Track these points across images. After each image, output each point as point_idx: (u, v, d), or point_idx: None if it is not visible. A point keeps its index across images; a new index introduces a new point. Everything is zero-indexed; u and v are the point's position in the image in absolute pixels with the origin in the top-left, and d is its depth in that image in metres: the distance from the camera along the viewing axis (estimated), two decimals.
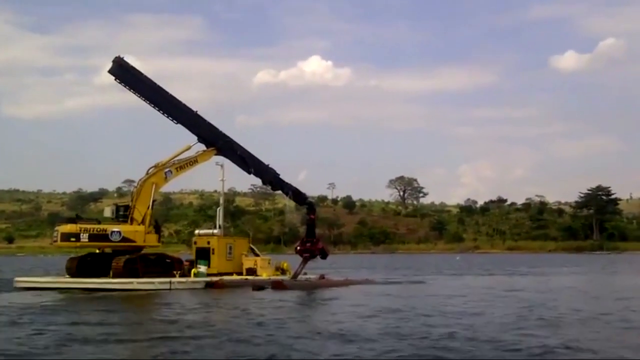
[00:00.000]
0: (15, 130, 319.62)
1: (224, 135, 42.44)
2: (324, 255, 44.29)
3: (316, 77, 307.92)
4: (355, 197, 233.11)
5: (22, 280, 39.36)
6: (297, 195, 45.45)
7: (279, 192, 47.30)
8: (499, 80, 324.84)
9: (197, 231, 46.34)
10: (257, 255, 43.51)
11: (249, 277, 40.05)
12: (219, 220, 43.80)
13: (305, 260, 42.63)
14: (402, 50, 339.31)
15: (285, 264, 43.29)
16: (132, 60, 40.48)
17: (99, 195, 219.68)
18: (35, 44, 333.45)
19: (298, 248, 43.84)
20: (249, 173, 43.59)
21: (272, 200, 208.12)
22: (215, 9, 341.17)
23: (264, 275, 40.55)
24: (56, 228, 40.52)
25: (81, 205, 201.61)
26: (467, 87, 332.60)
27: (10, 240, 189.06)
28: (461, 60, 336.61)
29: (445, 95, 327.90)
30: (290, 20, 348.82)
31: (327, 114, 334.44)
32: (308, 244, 43.55)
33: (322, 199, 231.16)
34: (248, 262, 41.52)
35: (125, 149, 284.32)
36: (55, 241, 39.67)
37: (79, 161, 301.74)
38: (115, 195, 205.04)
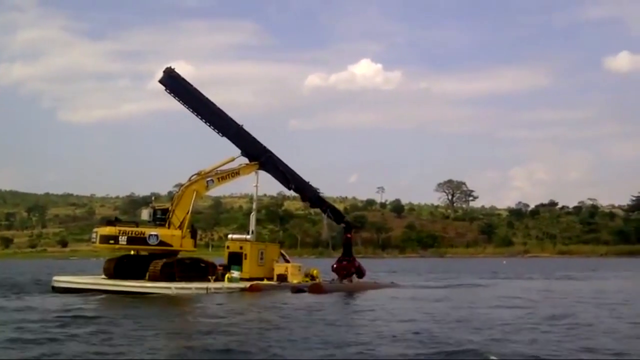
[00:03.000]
0: (69, 135, 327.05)
1: (267, 150, 43.14)
2: (360, 275, 44.78)
3: (366, 81, 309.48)
4: (404, 201, 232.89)
5: (60, 280, 39.85)
6: (335, 214, 46.65)
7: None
8: (552, 82, 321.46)
9: (230, 236, 46.79)
10: (287, 261, 43.83)
11: (281, 283, 40.46)
12: (252, 225, 44.33)
13: (341, 279, 43.35)
14: (453, 51, 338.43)
15: (315, 271, 43.29)
16: (185, 66, 41.74)
17: (151, 200, 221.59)
18: (89, 50, 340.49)
19: (334, 266, 44.46)
20: (289, 189, 44.97)
21: None
22: (267, 13, 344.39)
23: (294, 281, 40.70)
24: (95, 230, 40.90)
25: (133, 209, 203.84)
26: (519, 89, 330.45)
27: (64, 244, 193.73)
28: (513, 62, 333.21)
29: (497, 97, 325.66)
30: (340, 23, 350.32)
31: (377, 117, 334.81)
32: (344, 262, 44.24)
33: (371, 202, 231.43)
34: (279, 268, 41.69)
35: (177, 153, 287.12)
36: (94, 243, 40.01)
37: (132, 166, 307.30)
38: (167, 199, 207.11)
